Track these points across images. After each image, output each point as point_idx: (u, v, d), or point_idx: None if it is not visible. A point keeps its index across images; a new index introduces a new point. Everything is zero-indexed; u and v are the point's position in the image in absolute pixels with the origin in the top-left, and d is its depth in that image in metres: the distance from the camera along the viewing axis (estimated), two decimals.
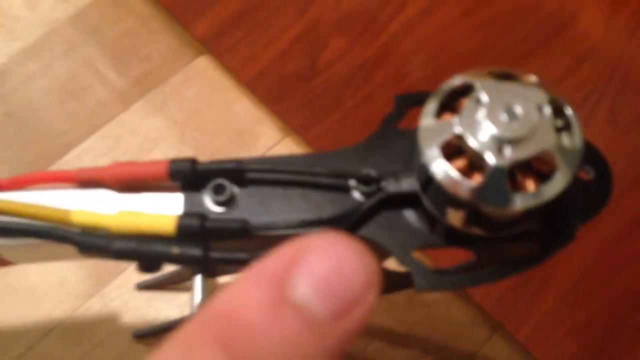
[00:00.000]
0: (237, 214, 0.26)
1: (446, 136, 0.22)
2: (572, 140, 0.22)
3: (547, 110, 0.22)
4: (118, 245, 0.25)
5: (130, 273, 0.49)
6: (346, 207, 0.26)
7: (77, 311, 0.48)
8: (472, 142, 0.22)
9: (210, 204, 0.26)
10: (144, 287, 0.49)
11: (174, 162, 0.26)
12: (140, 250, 0.25)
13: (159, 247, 0.25)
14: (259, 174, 0.27)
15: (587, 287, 0.49)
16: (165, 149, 0.53)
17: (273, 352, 0.14)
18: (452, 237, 0.26)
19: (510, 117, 0.21)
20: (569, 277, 0.49)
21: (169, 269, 0.46)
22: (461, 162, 0.23)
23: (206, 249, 0.25)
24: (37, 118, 0.54)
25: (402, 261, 0.26)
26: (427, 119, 0.23)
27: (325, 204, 0.26)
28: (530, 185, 0.22)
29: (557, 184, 0.22)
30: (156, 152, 0.52)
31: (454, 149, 0.23)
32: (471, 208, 0.23)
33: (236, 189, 0.27)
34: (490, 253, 0.27)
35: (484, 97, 0.22)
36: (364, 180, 0.26)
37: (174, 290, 0.49)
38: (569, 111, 0.23)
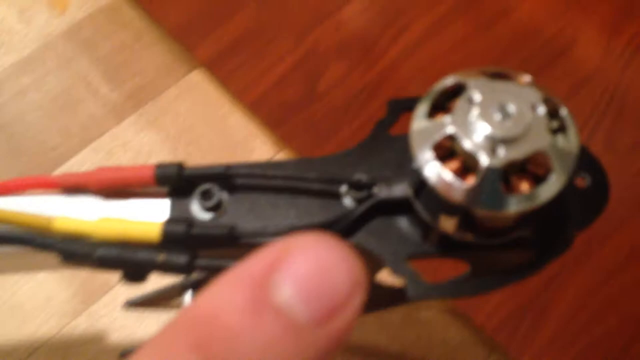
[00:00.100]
0: (226, 220, 0.26)
1: (439, 136, 0.22)
2: (568, 142, 0.22)
3: (541, 109, 0.21)
4: (101, 252, 0.24)
5: (118, 291, 0.48)
6: (337, 214, 0.25)
7: (64, 330, 0.47)
8: (464, 143, 0.21)
9: (197, 210, 0.26)
10: (132, 305, 0.48)
11: (160, 166, 0.26)
12: (124, 257, 0.24)
13: (143, 255, 0.24)
14: (248, 179, 0.26)
15: (587, 315, 0.48)
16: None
17: (252, 357, 0.14)
18: (446, 245, 0.25)
19: (503, 116, 0.21)
20: (569, 305, 0.48)
21: (157, 285, 0.45)
22: (454, 164, 0.22)
23: (192, 256, 0.24)
24: (29, 131, 0.53)
25: (394, 269, 0.25)
26: (419, 121, 0.23)
27: (316, 211, 0.26)
28: (525, 187, 0.22)
29: (553, 186, 0.21)
30: None
31: (446, 151, 0.22)
32: (465, 212, 0.23)
33: (225, 195, 0.26)
34: (485, 262, 0.26)
35: (477, 96, 0.21)
36: (356, 186, 0.25)
37: (163, 308, 0.48)
38: (564, 112, 0.22)
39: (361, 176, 0.26)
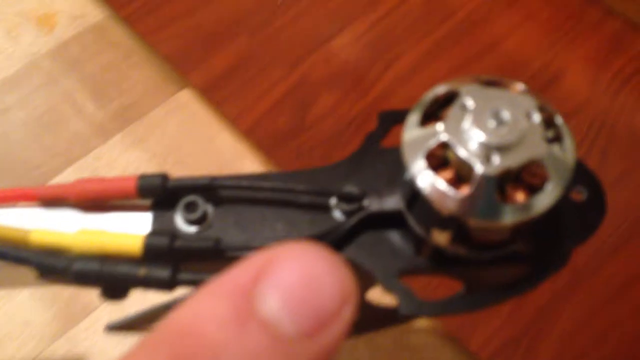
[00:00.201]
0: (211, 233, 0.25)
1: (431, 144, 0.21)
2: (564, 151, 0.21)
3: (536, 117, 0.21)
4: (79, 266, 0.23)
5: (100, 314, 0.46)
6: (326, 227, 0.25)
7: (42, 354, 0.45)
8: (458, 150, 0.20)
9: (181, 223, 0.25)
10: (113, 328, 0.47)
11: (143, 177, 0.25)
12: (103, 272, 0.23)
13: (123, 269, 0.23)
14: (234, 191, 0.25)
15: (580, 346, 0.47)
16: None
17: None
18: (439, 260, 0.24)
19: (498, 123, 0.20)
20: (561, 335, 0.47)
21: (139, 307, 0.44)
22: (447, 174, 0.21)
23: (175, 270, 0.23)
24: (13, 150, 0.52)
25: (385, 285, 0.24)
26: (410, 130, 0.22)
27: (304, 224, 0.25)
28: (520, 197, 0.21)
29: (549, 196, 0.21)
30: None
31: (439, 161, 0.22)
32: (458, 224, 0.22)
33: (210, 208, 0.25)
34: (479, 278, 0.25)
35: (470, 103, 0.21)
36: (346, 198, 0.25)
37: (146, 332, 0.47)
38: (559, 121, 0.22)
39: (351, 188, 0.25)
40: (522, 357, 0.47)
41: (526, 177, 0.21)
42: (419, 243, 0.24)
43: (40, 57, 0.56)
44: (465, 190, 0.21)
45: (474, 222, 0.21)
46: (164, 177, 0.25)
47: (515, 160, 0.20)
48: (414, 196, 0.23)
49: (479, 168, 0.20)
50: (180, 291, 0.23)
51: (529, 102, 0.21)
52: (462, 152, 0.20)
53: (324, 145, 0.52)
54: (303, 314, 0.13)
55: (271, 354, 0.13)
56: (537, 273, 0.24)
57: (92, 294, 0.46)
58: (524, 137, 0.20)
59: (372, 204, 0.24)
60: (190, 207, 0.25)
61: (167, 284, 0.23)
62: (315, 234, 0.24)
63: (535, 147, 0.20)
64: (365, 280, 0.26)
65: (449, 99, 0.22)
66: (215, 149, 0.53)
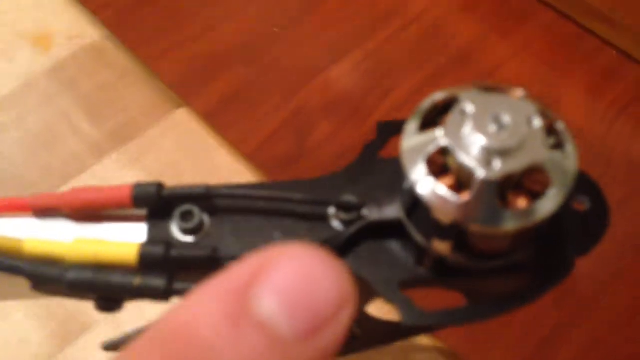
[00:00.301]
0: (207, 243, 0.24)
1: (431, 149, 0.21)
2: (566, 157, 0.21)
3: (537, 122, 0.20)
4: (72, 275, 0.22)
5: (97, 333, 0.45)
6: (324, 237, 0.24)
7: None
8: (459, 155, 0.20)
9: (177, 232, 0.24)
10: (110, 347, 0.46)
11: (138, 186, 0.24)
12: (98, 281, 0.22)
13: (118, 278, 0.22)
14: (230, 200, 0.25)
15: None
16: None
17: None
18: (440, 270, 0.24)
19: (498, 128, 0.20)
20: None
21: (136, 325, 0.43)
22: (448, 181, 0.21)
23: (171, 280, 0.22)
24: (7, 169, 0.52)
25: (385, 295, 0.23)
26: (409, 138, 0.22)
27: (302, 233, 0.24)
28: (522, 204, 0.21)
29: (551, 201, 0.20)
30: None
31: (439, 168, 0.21)
32: (460, 233, 0.21)
33: (206, 217, 0.25)
34: (481, 289, 0.25)
35: (470, 108, 0.21)
36: (344, 207, 0.24)
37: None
38: (560, 126, 0.22)
39: (350, 197, 0.24)
40: None
41: (527, 184, 0.21)
42: (420, 253, 0.24)
43: (36, 77, 0.56)
44: (466, 196, 0.20)
45: (475, 228, 0.20)
46: (159, 186, 0.24)
47: (516, 164, 0.20)
48: (414, 204, 0.22)
49: (479, 173, 0.20)
50: (175, 302, 0.23)
51: (530, 107, 0.21)
52: (462, 157, 0.20)
53: (323, 172, 0.52)
54: (300, 315, 0.13)
55: (266, 355, 0.12)
56: (540, 283, 0.23)
57: (89, 313, 0.45)
58: (525, 142, 0.20)
59: (372, 213, 0.24)
60: (186, 217, 0.24)
61: (163, 294, 0.22)
62: (313, 243, 0.24)
63: (537, 152, 0.20)
64: (365, 293, 0.25)
65: (447, 107, 0.22)
66: (212, 167, 0.53)
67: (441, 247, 0.23)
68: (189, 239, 0.24)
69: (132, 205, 0.24)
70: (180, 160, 0.53)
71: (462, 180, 0.21)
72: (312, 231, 0.24)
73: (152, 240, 0.24)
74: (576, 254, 0.24)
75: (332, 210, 0.25)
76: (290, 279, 0.13)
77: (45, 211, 0.25)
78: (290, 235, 0.24)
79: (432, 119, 0.23)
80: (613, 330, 0.47)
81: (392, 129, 0.27)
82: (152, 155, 0.53)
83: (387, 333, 0.30)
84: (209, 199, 0.25)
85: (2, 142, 0.53)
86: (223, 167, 0.53)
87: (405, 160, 0.21)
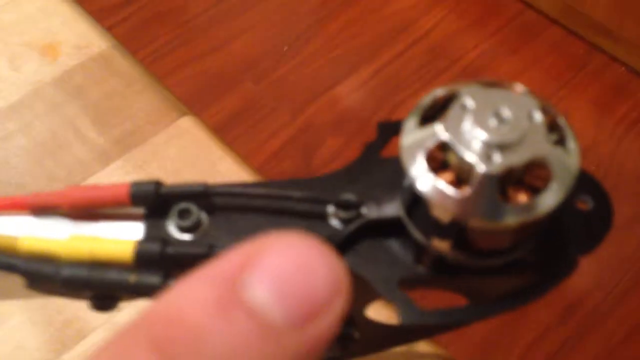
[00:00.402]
0: (204, 241, 0.24)
1: (431, 143, 0.20)
2: (567, 152, 0.21)
3: (538, 116, 0.20)
4: (67, 272, 0.22)
5: (94, 339, 0.45)
6: (323, 235, 0.24)
7: None
8: (459, 149, 0.20)
9: (174, 230, 0.24)
10: None
11: (136, 184, 0.24)
12: (93, 278, 0.22)
13: (113, 275, 0.22)
14: (228, 198, 0.25)
15: None
16: None
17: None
18: (440, 268, 0.23)
19: (499, 122, 0.20)
20: None
21: None
22: (447, 176, 0.21)
23: (167, 277, 0.22)
24: (13, 176, 0.52)
25: (385, 294, 0.23)
26: (408, 134, 0.22)
27: (301, 232, 0.24)
28: (523, 199, 0.20)
29: (553, 196, 0.20)
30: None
31: (438, 163, 0.21)
32: (460, 230, 0.21)
33: (204, 216, 0.24)
34: (482, 287, 0.24)
35: (470, 103, 0.20)
36: (343, 206, 0.24)
37: None
38: (561, 121, 0.21)
39: (349, 196, 0.24)
40: None
41: (529, 179, 0.21)
42: (419, 251, 0.23)
43: (44, 85, 0.57)
44: (466, 191, 0.20)
45: (475, 223, 0.20)
46: (157, 184, 0.24)
47: (517, 158, 0.19)
48: (414, 201, 0.22)
49: (480, 167, 0.19)
50: None
51: (531, 102, 0.21)
52: (462, 151, 0.20)
53: None
54: (292, 303, 0.12)
55: (257, 343, 0.12)
56: (543, 281, 0.23)
57: (86, 320, 0.45)
58: (526, 136, 0.20)
59: (371, 211, 0.24)
60: (183, 214, 0.24)
61: (159, 292, 0.22)
62: None
63: (538, 146, 0.20)
64: (364, 294, 0.25)
65: (447, 104, 0.22)
66: (216, 174, 0.53)
67: (441, 245, 0.22)
68: (186, 237, 0.24)
69: (130, 203, 0.24)
70: (184, 168, 0.53)
71: (461, 176, 0.21)
72: (311, 229, 0.24)
73: (148, 237, 0.23)
74: (579, 253, 0.24)
75: (331, 209, 0.24)
76: (282, 266, 0.13)
77: (43, 209, 0.25)
78: None
79: (432, 115, 0.22)
80: (619, 348, 0.46)
81: (393, 129, 0.26)
82: (156, 162, 0.53)
83: (387, 336, 0.29)
84: (207, 197, 0.24)
85: (8, 149, 0.53)
86: (227, 174, 0.53)
87: (405, 156, 0.21)
